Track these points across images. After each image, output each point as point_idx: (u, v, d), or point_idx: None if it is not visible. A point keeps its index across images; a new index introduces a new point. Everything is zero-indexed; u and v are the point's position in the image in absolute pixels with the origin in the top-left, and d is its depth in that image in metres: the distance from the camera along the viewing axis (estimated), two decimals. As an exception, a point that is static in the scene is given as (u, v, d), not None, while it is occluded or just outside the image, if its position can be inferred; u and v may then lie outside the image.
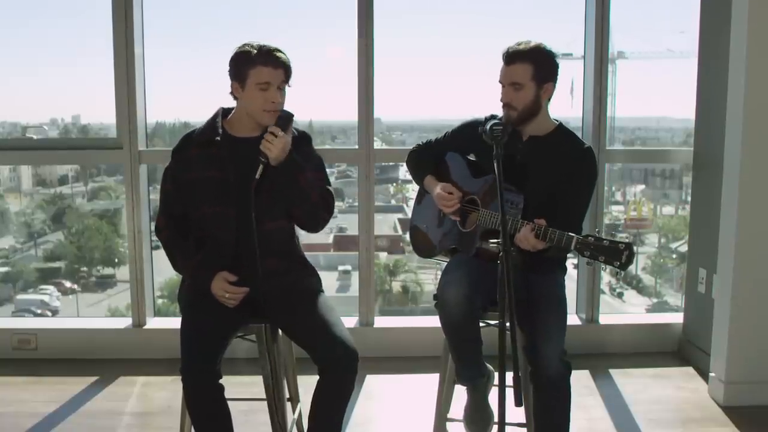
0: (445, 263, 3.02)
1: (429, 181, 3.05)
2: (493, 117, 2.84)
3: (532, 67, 2.74)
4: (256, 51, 2.63)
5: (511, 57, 2.77)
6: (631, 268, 8.98)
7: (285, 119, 2.66)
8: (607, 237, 2.44)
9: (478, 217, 2.85)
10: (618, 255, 2.40)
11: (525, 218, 2.67)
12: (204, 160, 2.72)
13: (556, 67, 2.81)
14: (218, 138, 2.72)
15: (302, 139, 2.82)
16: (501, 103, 2.82)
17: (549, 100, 2.84)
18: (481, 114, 2.93)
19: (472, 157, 3.03)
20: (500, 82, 2.81)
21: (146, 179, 4.38)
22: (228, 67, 2.70)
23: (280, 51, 2.66)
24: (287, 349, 2.99)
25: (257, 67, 2.62)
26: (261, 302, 2.70)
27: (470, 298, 2.70)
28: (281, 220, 2.76)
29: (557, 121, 2.90)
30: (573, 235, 2.49)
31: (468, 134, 2.96)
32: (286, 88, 2.71)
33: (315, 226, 2.84)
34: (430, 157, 3.10)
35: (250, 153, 2.63)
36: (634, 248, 2.42)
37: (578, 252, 2.48)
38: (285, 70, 2.66)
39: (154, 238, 4.13)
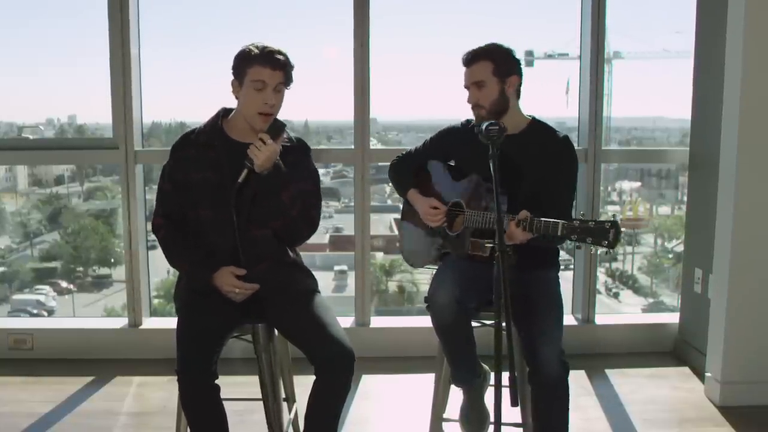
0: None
1: (412, 195, 3.06)
2: (468, 122, 2.95)
3: (491, 63, 2.83)
4: (257, 51, 2.65)
5: (470, 58, 2.87)
6: (627, 267, 9.00)
7: (276, 128, 2.66)
8: (593, 219, 2.44)
9: (465, 219, 2.85)
10: (605, 234, 2.38)
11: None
12: (202, 161, 2.72)
13: (515, 60, 2.88)
14: (216, 143, 2.73)
15: (300, 149, 2.83)
16: (470, 107, 2.87)
17: (519, 95, 2.90)
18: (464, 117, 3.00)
19: (452, 163, 3.06)
20: (465, 86, 2.89)
21: (142, 179, 4.37)
22: (231, 64, 2.72)
23: (282, 53, 2.67)
24: (283, 349, 2.99)
25: (255, 66, 2.64)
26: (253, 303, 2.70)
27: (461, 300, 2.69)
28: (268, 228, 2.75)
29: (530, 116, 2.94)
30: (558, 221, 2.48)
31: (447, 141, 3.04)
32: (285, 91, 2.71)
33: (294, 241, 2.86)
34: (410, 169, 3.12)
35: (245, 157, 2.64)
36: (620, 225, 2.40)
37: (566, 236, 2.47)
38: (284, 72, 2.67)
39: (151, 237, 4.14)
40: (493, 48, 2.86)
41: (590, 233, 2.41)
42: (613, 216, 2.39)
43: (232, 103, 2.82)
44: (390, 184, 3.26)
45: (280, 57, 2.66)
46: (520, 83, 2.89)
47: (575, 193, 2.93)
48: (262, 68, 2.63)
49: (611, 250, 2.41)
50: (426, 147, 3.12)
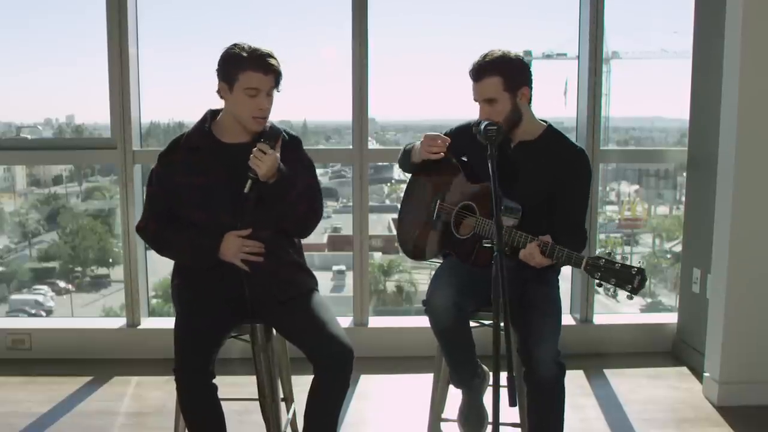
0: (438, 263, 3.01)
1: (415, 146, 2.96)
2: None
3: (500, 78, 2.69)
4: (247, 54, 2.58)
5: (478, 73, 2.72)
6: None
7: (274, 136, 2.63)
8: (619, 260, 2.40)
9: (476, 225, 2.81)
10: (630, 279, 2.36)
11: (522, 225, 2.65)
12: (190, 165, 2.68)
13: (526, 70, 2.75)
14: (203, 146, 2.69)
15: (292, 144, 2.79)
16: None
17: (530, 103, 2.79)
18: (473, 116, 2.89)
19: (464, 159, 3.00)
20: (474, 100, 2.76)
21: (140, 179, 4.36)
22: (216, 66, 2.65)
23: (272, 56, 2.61)
24: (281, 349, 2.98)
25: (247, 71, 2.57)
26: (249, 303, 2.69)
27: (459, 303, 2.68)
28: (270, 229, 2.72)
29: (545, 122, 2.86)
30: (582, 255, 2.47)
31: (462, 138, 2.91)
32: (275, 93, 2.67)
33: (303, 233, 2.85)
34: None
35: (238, 159, 2.60)
36: (646, 273, 2.38)
37: (588, 273, 2.45)
38: (275, 75, 2.62)
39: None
40: (500, 60, 2.69)
41: (615, 275, 2.39)
42: (641, 263, 2.36)
43: (221, 103, 2.75)
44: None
45: (272, 61, 2.60)
46: (532, 91, 2.77)
47: (587, 205, 2.88)
48: (254, 73, 2.57)
49: (633, 296, 2.38)
50: None
